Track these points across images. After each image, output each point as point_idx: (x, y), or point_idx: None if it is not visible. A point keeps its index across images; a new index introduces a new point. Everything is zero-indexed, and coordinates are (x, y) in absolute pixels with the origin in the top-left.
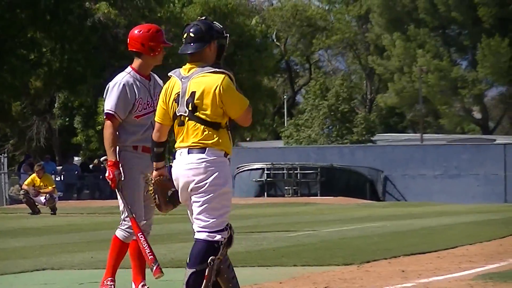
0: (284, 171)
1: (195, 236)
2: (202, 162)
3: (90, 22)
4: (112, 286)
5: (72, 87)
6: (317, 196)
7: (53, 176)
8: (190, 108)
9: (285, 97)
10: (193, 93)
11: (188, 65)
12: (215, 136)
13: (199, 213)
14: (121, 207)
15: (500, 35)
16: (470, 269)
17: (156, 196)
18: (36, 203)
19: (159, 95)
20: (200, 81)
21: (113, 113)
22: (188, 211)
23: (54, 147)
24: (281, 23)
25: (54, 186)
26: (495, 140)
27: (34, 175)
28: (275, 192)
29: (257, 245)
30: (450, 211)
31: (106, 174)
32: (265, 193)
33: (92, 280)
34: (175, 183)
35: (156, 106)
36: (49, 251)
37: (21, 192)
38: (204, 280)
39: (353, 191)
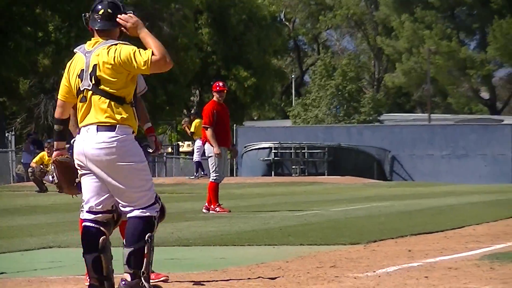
0: (292, 151)
1: (128, 215)
2: (114, 141)
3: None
4: None
5: None
6: (324, 175)
7: None
8: (93, 82)
9: (293, 76)
10: (95, 66)
11: (93, 40)
12: (122, 112)
13: (125, 193)
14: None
15: (511, 16)
16: (476, 249)
17: (55, 175)
18: (44, 181)
19: None
20: (102, 53)
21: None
22: (86, 185)
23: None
24: (289, 1)
25: None
26: (503, 120)
27: (43, 153)
28: (282, 171)
29: (264, 224)
30: (457, 191)
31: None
32: (273, 172)
33: None
34: (79, 158)
35: None
36: (56, 229)
37: (29, 170)
38: (145, 258)
39: (361, 171)
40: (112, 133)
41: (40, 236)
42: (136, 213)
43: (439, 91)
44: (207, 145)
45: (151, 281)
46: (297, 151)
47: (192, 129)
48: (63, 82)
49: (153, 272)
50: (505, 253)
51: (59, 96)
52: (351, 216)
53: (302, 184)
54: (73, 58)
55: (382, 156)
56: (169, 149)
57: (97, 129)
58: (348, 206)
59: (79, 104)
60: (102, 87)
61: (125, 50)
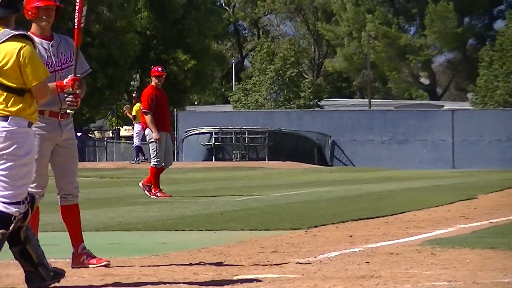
0: (232, 135)
1: None
2: (3, 131)
3: None
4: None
5: None
6: (265, 160)
7: None
8: None
9: (233, 61)
10: None
11: None
12: (19, 103)
13: None
14: None
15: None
16: (417, 234)
17: None
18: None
19: (65, 55)
20: (2, 47)
21: None
22: None
23: None
24: None
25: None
26: (443, 106)
27: None
28: (223, 156)
29: (205, 209)
30: (398, 176)
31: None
32: (213, 157)
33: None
34: None
35: (60, 67)
36: None
37: None
38: None
39: (301, 156)
40: (4, 123)
41: None
42: None
43: (379, 77)
44: (147, 131)
45: (93, 265)
46: (237, 136)
47: (133, 113)
48: None
49: (94, 257)
50: (446, 238)
51: None
52: (292, 201)
53: (243, 169)
54: None
55: (323, 141)
56: (110, 134)
57: None
58: (288, 191)
59: None
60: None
61: (31, 63)
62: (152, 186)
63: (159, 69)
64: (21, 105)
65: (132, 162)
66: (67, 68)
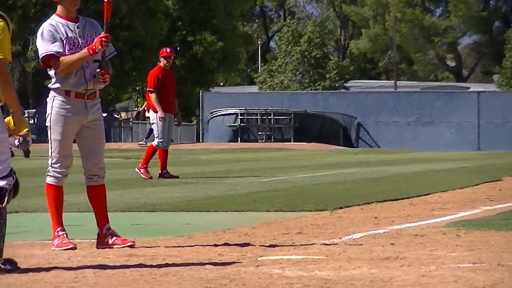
0: (258, 117)
1: None
2: None
3: None
4: (64, 234)
5: None
6: (290, 141)
7: (26, 119)
8: None
9: (259, 42)
10: None
11: None
12: None
13: None
14: (49, 152)
15: None
16: (442, 216)
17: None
18: (10, 146)
19: (91, 37)
20: None
21: (53, 53)
22: None
23: (27, 90)
24: None
25: (28, 129)
26: (468, 88)
27: (9, 118)
28: (248, 137)
29: (230, 190)
30: (423, 158)
31: (97, 47)
32: (239, 139)
33: (65, 223)
34: None
35: (86, 47)
36: (22, 194)
37: None
38: None
39: (327, 137)
40: None
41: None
42: None
43: (404, 58)
44: (151, 112)
45: (118, 246)
46: (263, 117)
47: None
48: None
49: (119, 237)
50: (471, 220)
51: None
52: (317, 183)
53: (268, 150)
54: None
55: (348, 122)
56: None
57: None
58: (314, 173)
59: None
60: None
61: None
62: (142, 161)
63: (168, 50)
64: None
65: (140, 143)
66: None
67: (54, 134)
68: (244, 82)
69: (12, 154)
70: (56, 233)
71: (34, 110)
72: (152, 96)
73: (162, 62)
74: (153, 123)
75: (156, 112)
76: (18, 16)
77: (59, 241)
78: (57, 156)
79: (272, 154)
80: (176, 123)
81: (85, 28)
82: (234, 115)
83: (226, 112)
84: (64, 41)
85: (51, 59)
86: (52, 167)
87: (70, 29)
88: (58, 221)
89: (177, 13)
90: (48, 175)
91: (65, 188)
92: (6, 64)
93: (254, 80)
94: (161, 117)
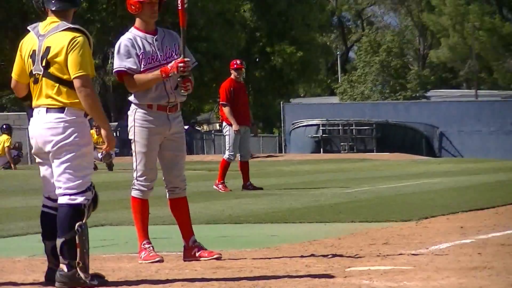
0: (340, 127)
1: (58, 201)
2: (61, 122)
3: None
4: (151, 247)
5: None
6: (372, 152)
7: None
8: (43, 65)
9: (338, 53)
10: (47, 49)
11: (48, 20)
12: (72, 95)
13: (59, 175)
14: (134, 165)
15: None
16: None
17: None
18: (93, 159)
19: (170, 48)
20: (55, 38)
21: (125, 69)
22: (41, 169)
23: (108, 103)
24: None
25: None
26: None
27: (92, 130)
28: (330, 148)
29: (314, 201)
30: (507, 167)
31: (170, 73)
32: (321, 149)
33: (150, 236)
34: (31, 141)
35: (165, 61)
36: (107, 207)
37: None
38: (78, 248)
39: (409, 147)
40: (61, 115)
41: (92, 214)
42: (65, 199)
43: (484, 67)
44: (224, 124)
45: (205, 258)
46: (345, 127)
47: None
48: (17, 61)
49: (206, 250)
50: None
51: (12, 75)
52: (401, 193)
53: (351, 161)
54: (27, 36)
55: (431, 132)
56: (217, 126)
57: (46, 111)
58: (397, 183)
59: (32, 86)
60: (51, 71)
61: (80, 53)
62: (218, 177)
63: (238, 62)
64: (74, 97)
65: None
66: (172, 61)
67: (138, 147)
68: (324, 92)
69: (95, 168)
70: (142, 246)
71: (116, 123)
72: (226, 110)
73: (233, 74)
74: (226, 135)
75: (230, 125)
76: (96, 29)
77: (146, 254)
78: (142, 169)
79: (355, 164)
80: (252, 134)
81: (164, 40)
82: (316, 126)
83: (308, 123)
84: (140, 56)
85: (124, 75)
86: (137, 180)
87: (148, 42)
88: (144, 234)
89: (255, 24)
90: (133, 188)
91: (151, 201)
92: (89, 80)
93: (335, 90)
94: (236, 130)
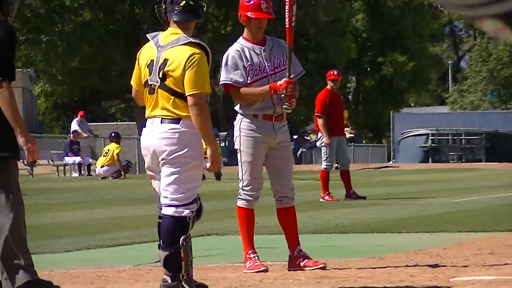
0: (449, 137)
1: (162, 212)
2: (176, 132)
3: None
4: (256, 257)
5: None
6: (481, 162)
7: (217, 141)
8: (160, 76)
9: (449, 62)
10: (165, 61)
11: (169, 31)
12: (188, 107)
13: (168, 184)
14: (240, 175)
15: None
16: None
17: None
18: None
19: (278, 59)
20: (174, 51)
21: (231, 82)
22: (153, 183)
23: (218, 113)
24: None
25: (219, 152)
26: None
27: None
28: (439, 158)
29: (421, 211)
30: None
31: (279, 92)
32: (430, 159)
33: (256, 246)
34: (143, 151)
35: (273, 71)
36: (214, 217)
37: None
38: (182, 262)
39: None
40: (176, 125)
41: (198, 224)
42: (170, 211)
43: None
44: (319, 134)
45: (309, 268)
46: (454, 137)
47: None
48: (136, 70)
49: (310, 259)
50: None
51: (132, 84)
52: (510, 203)
53: (460, 170)
54: (146, 45)
55: None
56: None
57: (161, 121)
58: (506, 193)
59: (147, 95)
60: (167, 83)
61: (197, 70)
62: (322, 189)
63: (335, 72)
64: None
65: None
66: (280, 72)
67: (244, 156)
68: (434, 102)
69: (204, 177)
70: (247, 256)
71: (225, 133)
72: (320, 121)
73: (329, 85)
74: (322, 146)
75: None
76: (208, 38)
77: (250, 264)
78: (248, 179)
79: (464, 174)
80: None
81: (272, 50)
82: (425, 136)
83: (417, 133)
84: (248, 68)
85: (231, 88)
86: (243, 190)
87: (256, 53)
88: (250, 243)
89: (366, 33)
90: (239, 198)
91: (256, 210)
92: (202, 98)
93: (445, 100)
94: (327, 143)
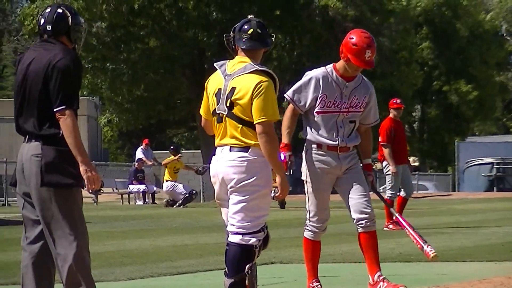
0: None
1: (229, 239)
2: (244, 160)
3: (320, 16)
4: (318, 285)
5: None
6: None
7: None
8: (228, 105)
9: None
10: (232, 90)
11: (237, 59)
12: (256, 135)
13: (235, 212)
14: (307, 206)
15: None
16: None
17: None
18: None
19: (358, 99)
20: (242, 79)
21: (288, 97)
22: (222, 211)
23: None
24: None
25: None
26: None
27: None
28: (504, 187)
29: (485, 240)
30: None
31: (281, 157)
32: (495, 188)
33: (319, 274)
34: (212, 179)
35: (346, 109)
36: (278, 245)
37: None
38: None
39: None
40: (245, 154)
41: (263, 252)
42: (237, 239)
43: None
44: (384, 163)
45: None
46: None
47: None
48: (204, 99)
49: (390, 282)
50: None
51: (202, 114)
52: None
53: None
54: (214, 74)
55: None
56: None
57: (230, 149)
58: None
59: (216, 124)
60: (235, 111)
61: (264, 98)
62: (386, 218)
63: (398, 101)
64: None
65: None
66: (354, 113)
67: (310, 187)
68: (500, 131)
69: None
70: (310, 285)
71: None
72: (386, 151)
73: (392, 113)
74: (387, 174)
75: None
76: (273, 67)
77: None
78: (314, 210)
79: None
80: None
81: (356, 89)
82: (490, 165)
83: (482, 162)
84: (321, 98)
85: (287, 103)
86: (310, 221)
87: (339, 86)
88: (313, 273)
89: (433, 62)
90: (306, 229)
91: (325, 238)
92: (271, 126)
93: (510, 129)
94: (394, 172)
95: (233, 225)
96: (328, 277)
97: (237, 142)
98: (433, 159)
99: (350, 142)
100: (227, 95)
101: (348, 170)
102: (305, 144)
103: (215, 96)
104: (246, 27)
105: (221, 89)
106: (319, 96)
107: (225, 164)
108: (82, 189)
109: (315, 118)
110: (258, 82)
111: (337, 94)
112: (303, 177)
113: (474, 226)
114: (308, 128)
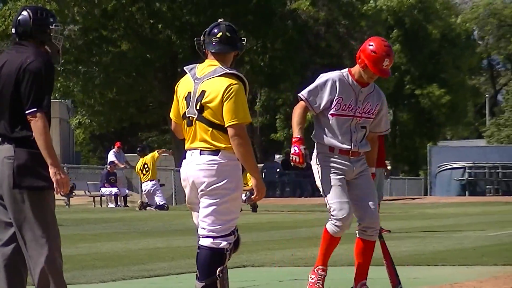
0: (486, 170)
1: (199, 243)
2: (215, 164)
3: (291, 21)
4: (323, 275)
5: (274, 85)
6: None
7: None
8: (198, 108)
9: (486, 96)
10: (202, 93)
11: (206, 62)
12: (227, 139)
13: (206, 216)
14: (327, 205)
15: None
16: None
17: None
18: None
19: (371, 105)
20: (212, 83)
21: (303, 97)
22: (193, 215)
23: (255, 144)
24: (478, 22)
25: None
26: None
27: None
28: (476, 191)
29: (457, 244)
30: None
31: (292, 151)
32: (467, 192)
33: (292, 278)
34: (183, 183)
35: (360, 115)
36: (250, 248)
37: None
38: None
39: None
40: (215, 157)
41: (234, 255)
42: (208, 242)
43: None
44: None
45: None
46: (491, 171)
47: None
48: (174, 103)
49: None
50: None
51: (171, 117)
52: None
53: (497, 204)
54: (183, 78)
55: None
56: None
57: (200, 153)
58: None
59: (186, 128)
60: (205, 114)
61: (235, 101)
62: None
63: None
64: (229, 141)
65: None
66: (366, 119)
67: (326, 185)
68: (472, 135)
69: (240, 209)
70: (315, 269)
71: (262, 164)
72: None
73: None
74: None
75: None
76: (246, 70)
77: (312, 282)
78: (336, 202)
79: (500, 207)
80: (385, 176)
81: (369, 95)
82: (462, 169)
83: (454, 166)
84: (337, 101)
85: (300, 102)
86: (332, 217)
87: (354, 90)
88: (323, 260)
89: (405, 66)
90: (330, 222)
91: (296, 242)
92: (243, 128)
93: (482, 134)
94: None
95: (204, 228)
96: (301, 281)
97: (207, 145)
98: (405, 163)
99: (362, 148)
100: (197, 98)
101: (359, 175)
102: (315, 147)
103: (185, 100)
104: (215, 30)
105: (191, 92)
106: (335, 98)
107: (195, 168)
108: (54, 192)
109: (330, 121)
110: (228, 85)
111: (352, 98)
112: (317, 181)
113: (446, 230)
114: (320, 131)
